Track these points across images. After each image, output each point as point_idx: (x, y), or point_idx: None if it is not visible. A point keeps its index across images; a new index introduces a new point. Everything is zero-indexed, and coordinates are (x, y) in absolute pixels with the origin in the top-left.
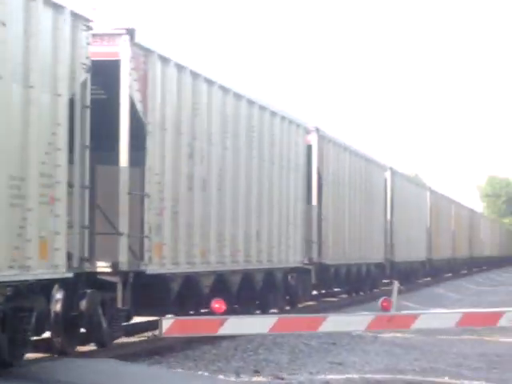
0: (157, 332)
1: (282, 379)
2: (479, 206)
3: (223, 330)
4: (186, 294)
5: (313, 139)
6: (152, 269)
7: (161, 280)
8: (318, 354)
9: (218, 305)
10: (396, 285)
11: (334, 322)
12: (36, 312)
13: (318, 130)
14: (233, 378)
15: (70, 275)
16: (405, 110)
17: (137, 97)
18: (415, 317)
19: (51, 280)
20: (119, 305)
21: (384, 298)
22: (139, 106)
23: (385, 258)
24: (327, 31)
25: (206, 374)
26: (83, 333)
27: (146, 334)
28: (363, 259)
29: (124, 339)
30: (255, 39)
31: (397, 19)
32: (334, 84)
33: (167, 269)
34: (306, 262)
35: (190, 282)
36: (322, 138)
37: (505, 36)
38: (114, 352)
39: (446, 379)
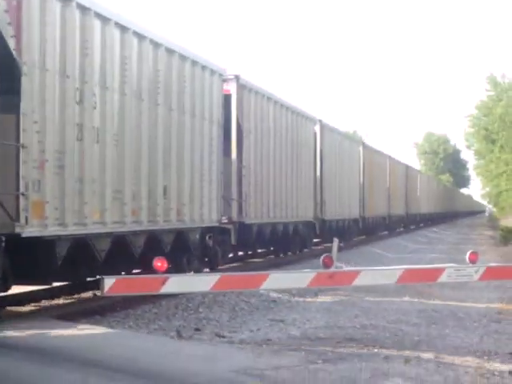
0: (98, 291)
1: (223, 337)
2: (416, 163)
3: (166, 289)
4: (77, 259)
5: (232, 88)
6: (30, 231)
7: (43, 244)
8: (258, 312)
9: (159, 263)
10: (336, 242)
11: (276, 280)
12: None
13: (237, 78)
14: (174, 337)
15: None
16: (344, 67)
17: (7, 31)
18: (356, 273)
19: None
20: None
21: (326, 254)
22: (11, 42)
23: (314, 216)
24: None
25: (147, 332)
26: None
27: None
28: (290, 218)
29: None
30: None
31: None
32: (284, 45)
33: (50, 231)
34: (225, 221)
35: (81, 245)
36: (242, 86)
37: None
38: (52, 312)
39: (387, 334)
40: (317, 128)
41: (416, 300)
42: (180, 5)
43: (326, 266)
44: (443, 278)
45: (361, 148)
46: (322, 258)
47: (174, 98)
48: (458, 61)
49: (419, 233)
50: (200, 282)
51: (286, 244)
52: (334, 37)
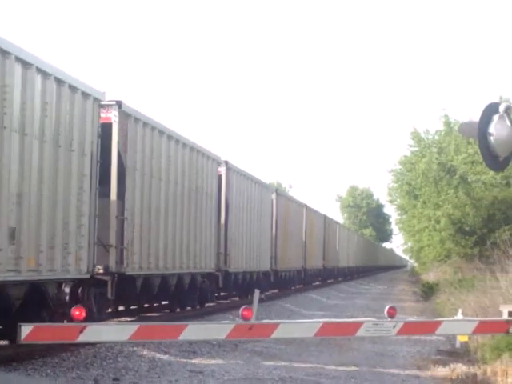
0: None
1: None
2: (340, 217)
3: (83, 337)
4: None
5: (113, 116)
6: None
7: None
8: (177, 363)
9: (78, 312)
10: (257, 293)
11: (194, 331)
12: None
13: (119, 104)
14: None
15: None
16: (267, 116)
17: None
18: (275, 325)
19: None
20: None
21: (245, 306)
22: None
23: (217, 267)
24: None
25: (65, 381)
26: None
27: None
28: (186, 268)
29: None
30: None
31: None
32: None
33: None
34: (101, 271)
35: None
36: (124, 115)
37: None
38: None
39: None
40: (222, 170)
41: (335, 353)
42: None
43: (245, 318)
44: (361, 332)
45: (274, 195)
46: (241, 309)
47: (31, 122)
48: (383, 115)
49: (337, 287)
50: (118, 332)
51: (181, 298)
52: (252, 83)
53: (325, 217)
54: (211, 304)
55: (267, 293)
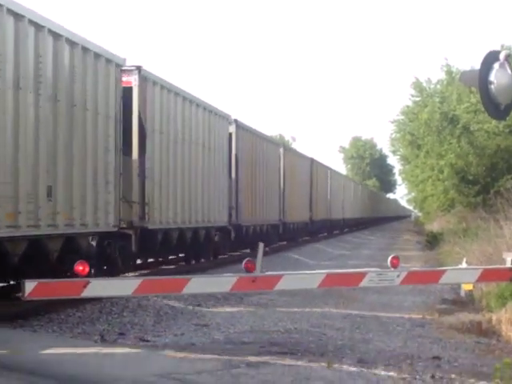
0: (19, 294)
1: (147, 341)
2: (343, 168)
3: (87, 292)
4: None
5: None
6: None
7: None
8: (182, 316)
9: (81, 267)
10: (261, 246)
11: (198, 284)
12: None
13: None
14: (98, 341)
15: (116, 229)
16: (271, 71)
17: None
18: (278, 278)
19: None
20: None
21: (247, 259)
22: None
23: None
24: None
25: (71, 336)
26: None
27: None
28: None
29: None
30: None
31: None
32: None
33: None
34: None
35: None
36: (144, 79)
37: None
38: None
39: (310, 338)
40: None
41: (340, 304)
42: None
43: (248, 270)
44: (365, 283)
45: (281, 150)
46: (243, 262)
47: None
48: (384, 65)
49: (343, 238)
50: (122, 286)
51: (197, 250)
52: (257, 37)
53: (330, 170)
54: (224, 256)
55: (275, 245)
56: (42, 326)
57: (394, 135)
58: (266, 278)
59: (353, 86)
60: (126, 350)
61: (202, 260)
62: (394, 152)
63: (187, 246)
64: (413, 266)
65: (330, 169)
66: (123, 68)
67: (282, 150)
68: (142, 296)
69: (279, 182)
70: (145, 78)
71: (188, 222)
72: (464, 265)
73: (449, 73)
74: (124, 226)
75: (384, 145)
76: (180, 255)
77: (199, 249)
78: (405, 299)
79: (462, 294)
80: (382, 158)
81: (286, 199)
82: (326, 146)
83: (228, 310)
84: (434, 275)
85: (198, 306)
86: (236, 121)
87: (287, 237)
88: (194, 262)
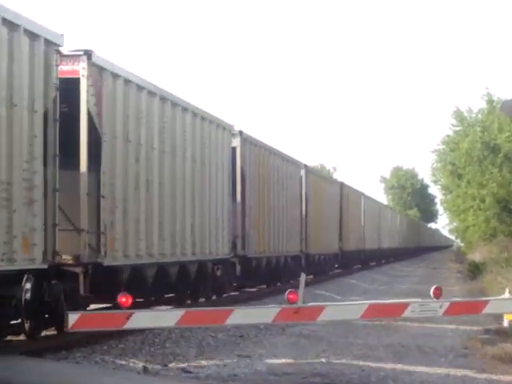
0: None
1: (190, 372)
2: (384, 198)
3: (130, 324)
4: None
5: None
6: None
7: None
8: (225, 347)
9: (124, 299)
10: (303, 277)
11: (240, 315)
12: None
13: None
14: (141, 372)
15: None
16: (313, 100)
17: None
18: (321, 308)
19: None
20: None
21: (290, 290)
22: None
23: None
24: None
25: (113, 368)
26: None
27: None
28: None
29: None
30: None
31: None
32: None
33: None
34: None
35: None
36: (96, 68)
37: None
38: (18, 349)
39: (353, 370)
40: (302, 172)
41: (383, 334)
42: None
43: (290, 301)
44: (407, 313)
45: (303, 171)
46: (286, 293)
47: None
48: (425, 95)
49: (380, 270)
50: (165, 318)
51: (277, 275)
52: (299, 66)
53: (378, 202)
54: (235, 293)
55: (292, 281)
56: (85, 357)
57: (435, 165)
58: (308, 309)
59: (394, 116)
60: (169, 381)
61: (279, 284)
62: (435, 182)
63: (271, 272)
64: (455, 296)
65: (364, 194)
66: (66, 54)
67: (303, 172)
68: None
69: (300, 208)
70: (99, 68)
71: (170, 255)
72: (507, 295)
73: (490, 102)
74: (68, 261)
75: (425, 174)
76: (169, 295)
77: (278, 274)
78: (447, 329)
79: (505, 324)
80: (424, 188)
81: (310, 227)
82: (367, 176)
83: (270, 340)
84: (477, 306)
85: (241, 336)
86: (241, 133)
87: (312, 270)
88: (272, 285)
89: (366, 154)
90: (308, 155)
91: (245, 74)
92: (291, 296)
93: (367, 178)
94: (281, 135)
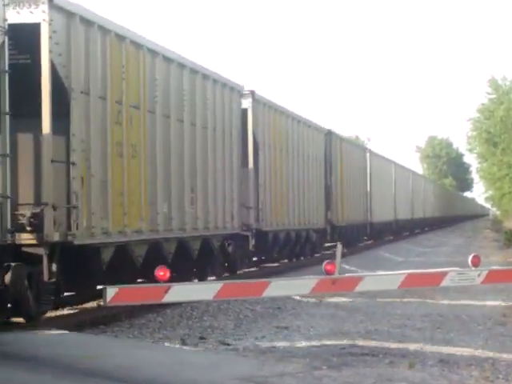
0: (101, 301)
1: (228, 345)
2: (419, 168)
3: (168, 298)
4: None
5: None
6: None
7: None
8: (263, 320)
9: (162, 272)
10: (340, 248)
11: (278, 287)
12: None
13: (253, 93)
14: (178, 345)
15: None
16: (346, 73)
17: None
18: (359, 279)
19: None
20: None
21: (327, 261)
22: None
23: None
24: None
25: (152, 341)
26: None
27: (80, 306)
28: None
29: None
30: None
31: None
32: (277, 45)
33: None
34: (244, 228)
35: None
36: (257, 102)
37: None
38: (57, 323)
39: (391, 341)
40: (326, 137)
41: (421, 304)
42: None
43: (328, 272)
44: (446, 282)
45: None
46: (323, 264)
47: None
48: (459, 63)
49: (414, 241)
50: (202, 291)
51: (299, 249)
52: (335, 42)
53: (412, 171)
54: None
55: (317, 254)
56: (123, 331)
57: (470, 133)
58: (346, 280)
59: (428, 85)
60: (207, 353)
61: (302, 258)
62: (470, 150)
63: (291, 246)
64: (493, 264)
65: (395, 162)
66: (242, 93)
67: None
68: (222, 300)
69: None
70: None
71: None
72: None
73: None
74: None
75: (460, 143)
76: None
77: (300, 248)
78: (485, 298)
79: None
80: (459, 157)
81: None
82: (401, 146)
83: (308, 311)
84: None
85: (278, 308)
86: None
87: (374, 236)
88: (294, 259)
89: (400, 124)
90: (343, 126)
91: (278, 45)
92: (329, 267)
93: (403, 148)
94: (316, 106)
